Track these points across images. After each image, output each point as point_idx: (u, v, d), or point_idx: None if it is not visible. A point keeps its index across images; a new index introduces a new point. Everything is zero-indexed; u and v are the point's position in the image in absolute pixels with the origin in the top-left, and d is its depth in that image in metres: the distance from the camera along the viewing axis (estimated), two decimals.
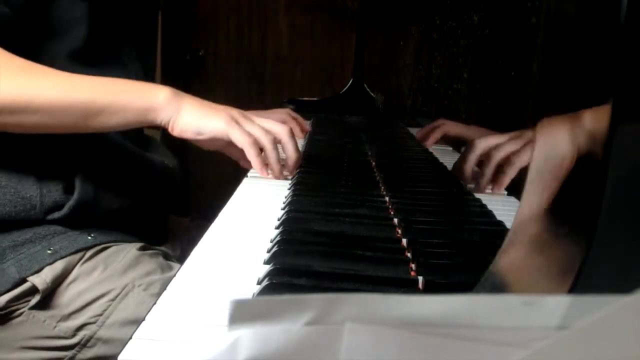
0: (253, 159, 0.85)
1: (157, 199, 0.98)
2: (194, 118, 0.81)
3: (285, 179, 0.91)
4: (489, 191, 0.86)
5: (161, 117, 0.81)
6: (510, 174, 0.84)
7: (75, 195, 0.83)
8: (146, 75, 0.99)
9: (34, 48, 0.81)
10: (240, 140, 0.83)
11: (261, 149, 0.87)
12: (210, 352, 0.23)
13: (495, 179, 0.85)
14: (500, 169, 0.85)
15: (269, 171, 0.89)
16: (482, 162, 0.89)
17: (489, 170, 0.86)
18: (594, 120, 0.28)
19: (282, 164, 0.92)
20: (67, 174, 0.84)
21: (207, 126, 0.82)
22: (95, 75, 0.85)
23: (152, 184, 0.95)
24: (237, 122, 0.84)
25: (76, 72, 0.84)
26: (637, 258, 0.27)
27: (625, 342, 0.20)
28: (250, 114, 0.92)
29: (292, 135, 0.92)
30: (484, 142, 0.89)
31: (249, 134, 0.84)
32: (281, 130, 0.90)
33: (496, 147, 0.86)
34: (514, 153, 0.83)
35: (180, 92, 0.83)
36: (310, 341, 0.22)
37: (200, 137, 0.83)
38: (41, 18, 0.81)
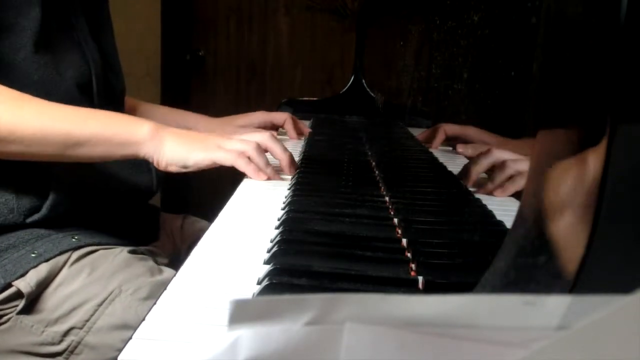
0: (245, 169, 0.86)
1: (135, 187, 0.97)
2: (177, 153, 0.82)
3: (282, 179, 0.91)
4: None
5: (144, 151, 0.81)
6: (519, 184, 0.84)
7: (52, 195, 0.83)
8: (103, 55, 0.98)
9: None
10: (226, 158, 0.84)
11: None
12: (210, 352, 0.23)
13: (503, 185, 0.85)
14: (511, 178, 0.85)
15: (264, 175, 0.89)
16: (493, 169, 0.89)
17: (501, 178, 0.86)
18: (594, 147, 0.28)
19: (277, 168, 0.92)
20: (41, 174, 0.84)
21: (190, 159, 0.83)
22: (52, 61, 0.85)
23: (128, 172, 0.95)
24: (218, 146, 0.84)
25: (36, 60, 0.83)
26: (637, 258, 0.27)
27: (625, 342, 0.20)
28: (236, 119, 0.90)
29: (274, 138, 0.93)
30: (502, 153, 0.89)
31: (232, 150, 0.85)
32: (261, 138, 0.91)
33: (513, 160, 0.86)
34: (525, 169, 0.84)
35: (162, 125, 0.84)
36: (310, 341, 0.22)
37: (185, 170, 0.84)
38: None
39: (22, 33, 0.82)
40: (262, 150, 0.89)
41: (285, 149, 0.93)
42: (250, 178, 0.89)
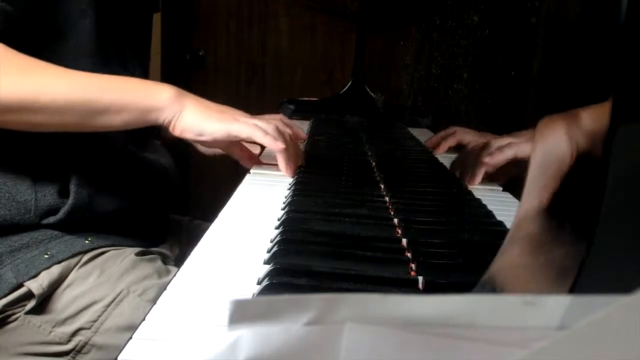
0: (262, 139, 0.84)
1: (153, 198, 0.97)
2: (196, 119, 0.81)
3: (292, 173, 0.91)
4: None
5: (164, 117, 0.80)
6: (507, 153, 0.84)
7: (70, 200, 0.83)
8: (145, 77, 1.00)
9: (41, 48, 0.80)
10: (243, 130, 0.83)
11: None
12: (210, 352, 0.23)
13: (491, 153, 0.85)
14: (498, 149, 0.85)
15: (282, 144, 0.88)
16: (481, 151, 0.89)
17: (488, 150, 0.86)
18: (593, 119, 0.28)
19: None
20: (61, 178, 0.84)
21: (208, 128, 0.82)
22: (100, 72, 0.85)
23: (147, 184, 0.95)
24: (235, 119, 0.84)
25: (83, 67, 0.84)
26: (637, 258, 0.27)
27: (625, 342, 0.20)
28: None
29: (291, 135, 0.92)
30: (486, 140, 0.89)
31: (249, 123, 0.84)
32: (281, 125, 0.90)
33: (498, 138, 0.86)
34: (516, 142, 0.84)
35: (183, 91, 0.83)
36: (310, 341, 0.22)
37: (201, 138, 0.83)
38: (47, 17, 0.81)
39: (68, 46, 0.83)
40: (280, 131, 0.88)
41: (298, 146, 0.92)
42: (253, 170, 0.88)
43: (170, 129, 0.82)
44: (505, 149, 0.84)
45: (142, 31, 1.03)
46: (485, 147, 0.88)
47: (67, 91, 0.76)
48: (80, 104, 0.76)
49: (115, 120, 0.79)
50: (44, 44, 0.81)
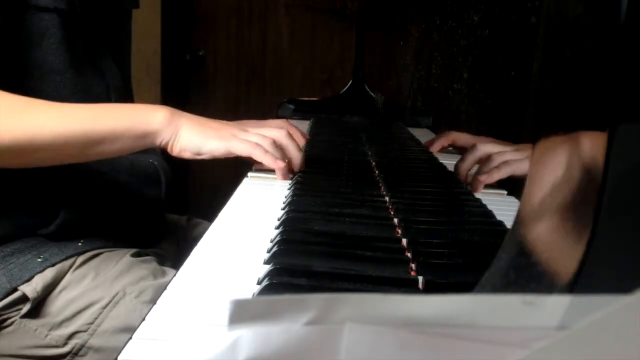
0: (262, 158, 0.84)
1: (145, 199, 0.97)
2: (193, 138, 0.81)
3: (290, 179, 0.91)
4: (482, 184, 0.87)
5: (160, 139, 0.80)
6: (504, 172, 0.85)
7: (62, 214, 0.83)
8: (123, 78, 0.98)
9: (10, 77, 0.80)
10: (242, 148, 0.83)
11: None
12: (210, 352, 0.23)
13: (488, 171, 0.86)
14: (496, 166, 0.86)
15: (282, 163, 0.88)
16: (480, 163, 0.90)
17: (485, 168, 0.87)
18: (592, 143, 0.28)
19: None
20: (51, 193, 0.84)
21: (206, 146, 0.82)
22: (74, 86, 0.85)
23: (138, 185, 0.95)
24: (233, 135, 0.84)
25: (56, 85, 0.83)
26: (637, 258, 0.27)
27: (625, 342, 0.20)
28: (246, 124, 0.92)
29: (291, 136, 0.92)
30: (487, 147, 0.90)
31: (249, 141, 0.84)
32: (279, 134, 0.90)
33: (499, 152, 0.87)
34: (514, 160, 0.85)
35: (177, 111, 0.83)
36: (310, 341, 0.22)
37: (199, 157, 0.83)
38: (9, 45, 0.80)
39: (36, 59, 0.82)
40: (278, 145, 0.88)
41: (300, 149, 0.92)
42: (253, 170, 0.88)
43: (168, 149, 0.81)
44: (503, 166, 0.85)
45: (120, 31, 1.01)
46: (484, 160, 0.88)
47: (61, 127, 0.75)
48: (75, 138, 0.76)
49: (113, 148, 0.78)
50: (11, 72, 0.80)
